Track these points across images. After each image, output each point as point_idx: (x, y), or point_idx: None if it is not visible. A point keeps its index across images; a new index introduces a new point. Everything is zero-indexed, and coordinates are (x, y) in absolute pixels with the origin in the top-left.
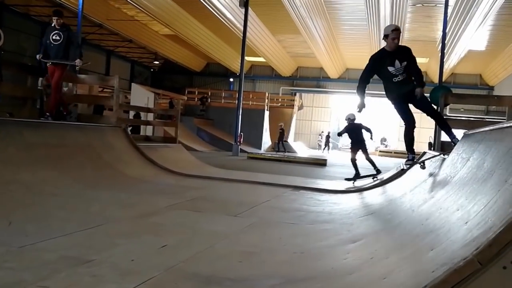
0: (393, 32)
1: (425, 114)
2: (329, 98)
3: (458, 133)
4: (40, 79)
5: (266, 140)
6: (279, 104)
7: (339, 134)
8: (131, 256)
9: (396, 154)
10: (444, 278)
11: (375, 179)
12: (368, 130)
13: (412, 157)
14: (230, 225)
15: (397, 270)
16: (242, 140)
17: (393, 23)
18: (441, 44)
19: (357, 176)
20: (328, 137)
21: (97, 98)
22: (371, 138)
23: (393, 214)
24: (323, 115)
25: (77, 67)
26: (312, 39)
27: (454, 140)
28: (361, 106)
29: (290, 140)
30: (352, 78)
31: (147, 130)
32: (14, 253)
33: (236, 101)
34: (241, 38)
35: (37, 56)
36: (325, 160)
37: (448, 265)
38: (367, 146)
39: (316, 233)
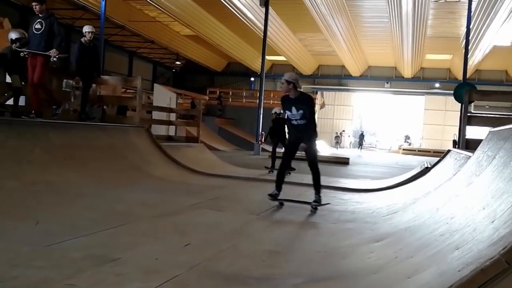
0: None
1: (450, 113)
2: (351, 96)
3: (484, 130)
4: (65, 80)
5: None
6: None
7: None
8: (155, 255)
9: (420, 152)
10: (471, 277)
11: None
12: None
13: (275, 194)
14: (253, 224)
15: (422, 270)
16: (263, 139)
17: (416, 19)
18: (465, 40)
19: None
20: (362, 135)
21: (121, 99)
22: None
23: (417, 213)
24: (345, 113)
25: (52, 59)
26: (333, 37)
27: (315, 200)
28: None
29: None
30: (375, 76)
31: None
32: (41, 252)
33: (257, 100)
34: (262, 37)
35: (12, 46)
36: (348, 158)
37: (474, 265)
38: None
39: (339, 232)
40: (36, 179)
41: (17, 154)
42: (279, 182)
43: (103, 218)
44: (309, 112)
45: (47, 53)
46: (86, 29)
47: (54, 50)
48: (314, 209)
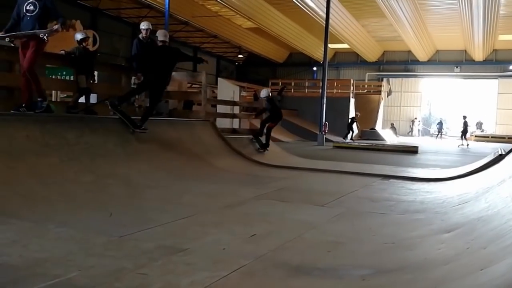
0: None
1: None
2: (419, 82)
3: None
4: (133, 78)
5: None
6: (365, 91)
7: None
8: (222, 245)
9: (494, 138)
10: None
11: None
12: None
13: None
14: (318, 215)
15: (496, 261)
16: (327, 129)
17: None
18: None
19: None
20: (441, 123)
21: (187, 94)
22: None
23: (490, 202)
24: (413, 100)
25: (43, 35)
26: (398, 21)
27: None
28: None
29: (378, 127)
30: (443, 60)
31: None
32: (115, 242)
33: (320, 90)
34: (324, 25)
35: (81, 46)
36: (416, 147)
37: None
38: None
39: (407, 223)
40: (109, 173)
41: (91, 149)
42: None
43: (171, 210)
44: None
45: (42, 31)
46: (143, 26)
47: (58, 25)
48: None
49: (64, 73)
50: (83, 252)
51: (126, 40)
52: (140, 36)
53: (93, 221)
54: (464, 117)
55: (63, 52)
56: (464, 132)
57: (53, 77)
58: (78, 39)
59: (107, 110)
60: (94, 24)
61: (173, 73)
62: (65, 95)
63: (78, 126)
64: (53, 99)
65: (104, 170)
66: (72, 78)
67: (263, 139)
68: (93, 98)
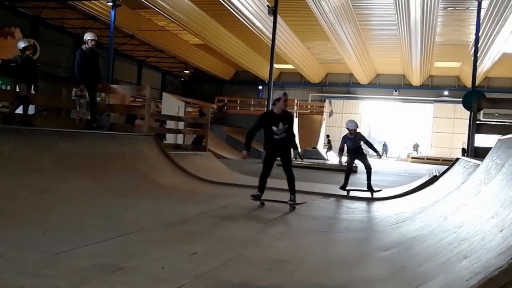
0: (285, 96)
1: (459, 121)
2: (360, 104)
3: (493, 138)
4: (74, 89)
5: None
6: (308, 111)
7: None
8: (162, 263)
9: (429, 160)
10: (479, 287)
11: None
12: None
13: (257, 195)
14: (261, 232)
15: (430, 279)
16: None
17: (424, 27)
18: (474, 48)
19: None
20: (385, 145)
21: (130, 108)
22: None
23: (425, 221)
24: None
25: None
26: (341, 45)
27: (291, 200)
28: (246, 155)
29: (320, 147)
30: (383, 84)
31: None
32: (49, 260)
33: (265, 109)
34: (270, 45)
35: (23, 55)
36: (356, 167)
37: (482, 274)
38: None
39: (347, 241)
40: (46, 188)
41: (27, 163)
42: (261, 186)
43: (111, 227)
44: (291, 126)
45: None
46: (88, 36)
47: None
48: (292, 208)
49: (0, 82)
50: (14, 270)
51: (69, 51)
52: (84, 47)
53: (26, 238)
54: (384, 142)
55: (0, 61)
56: (385, 152)
57: None
58: (21, 47)
59: (46, 122)
60: (35, 33)
61: (116, 86)
62: (1, 105)
63: (13, 138)
64: None
65: (41, 185)
66: (8, 87)
67: None
68: (31, 109)
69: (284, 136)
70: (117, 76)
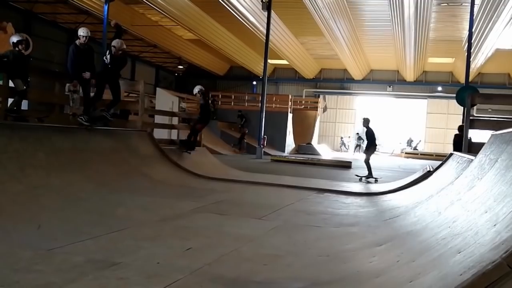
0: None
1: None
2: (354, 99)
3: (486, 134)
4: (67, 85)
5: (290, 143)
6: (303, 106)
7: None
8: (157, 259)
9: (423, 155)
10: (472, 281)
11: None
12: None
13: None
14: (255, 228)
15: (424, 273)
16: (265, 143)
17: (418, 22)
18: (467, 44)
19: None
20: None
21: (123, 103)
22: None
23: (419, 216)
24: (348, 117)
25: None
26: (335, 40)
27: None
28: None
29: (314, 142)
30: (377, 79)
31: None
32: (43, 256)
33: (260, 104)
34: (264, 41)
35: (16, 49)
36: (350, 162)
37: (476, 268)
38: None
39: (341, 236)
40: (39, 183)
41: (20, 158)
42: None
43: (105, 222)
44: None
45: None
46: (81, 32)
47: None
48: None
49: None
50: (8, 266)
51: (62, 46)
52: (77, 42)
53: (20, 233)
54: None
55: None
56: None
57: None
58: (14, 42)
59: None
60: (27, 27)
61: None
62: None
63: (6, 133)
64: None
65: (34, 180)
66: (1, 83)
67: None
68: (24, 105)
69: None
70: None
